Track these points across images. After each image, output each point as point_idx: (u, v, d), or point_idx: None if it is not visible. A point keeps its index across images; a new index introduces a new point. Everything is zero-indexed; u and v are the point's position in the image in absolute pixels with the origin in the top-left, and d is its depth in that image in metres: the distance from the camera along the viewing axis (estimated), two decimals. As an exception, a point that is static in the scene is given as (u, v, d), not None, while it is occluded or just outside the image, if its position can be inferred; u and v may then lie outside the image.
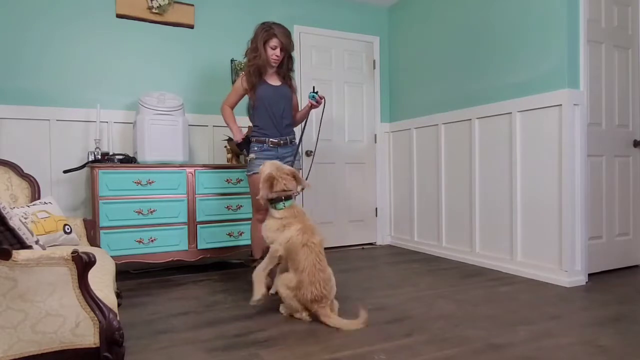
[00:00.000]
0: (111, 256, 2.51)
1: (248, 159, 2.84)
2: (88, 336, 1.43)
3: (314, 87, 2.87)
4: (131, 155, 3.31)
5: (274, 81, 2.86)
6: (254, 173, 2.77)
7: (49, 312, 1.39)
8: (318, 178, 4.33)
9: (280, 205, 2.38)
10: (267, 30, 2.73)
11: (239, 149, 2.98)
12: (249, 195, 3.01)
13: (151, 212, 3.10)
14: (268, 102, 2.80)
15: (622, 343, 1.94)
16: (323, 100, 2.83)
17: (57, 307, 1.40)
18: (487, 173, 3.53)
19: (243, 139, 2.86)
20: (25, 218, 2.25)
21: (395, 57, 4.62)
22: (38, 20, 3.26)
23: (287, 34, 2.76)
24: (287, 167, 2.47)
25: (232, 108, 2.92)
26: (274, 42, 2.72)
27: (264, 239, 2.94)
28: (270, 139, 2.82)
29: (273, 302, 2.66)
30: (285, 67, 2.85)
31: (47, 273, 1.38)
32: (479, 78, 3.58)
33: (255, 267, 2.97)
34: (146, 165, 3.12)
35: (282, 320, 2.30)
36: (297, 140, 2.94)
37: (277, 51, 2.74)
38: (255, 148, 2.81)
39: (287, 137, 2.84)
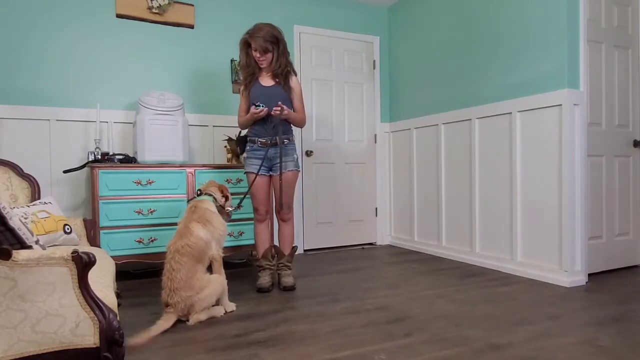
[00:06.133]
0: (111, 256, 2.52)
1: (241, 157, 2.90)
2: (88, 336, 1.43)
3: (255, 104, 2.77)
4: (131, 155, 3.31)
5: (267, 82, 2.88)
6: (246, 172, 2.94)
7: (49, 312, 1.39)
8: (318, 178, 4.34)
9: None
10: (242, 40, 2.82)
11: (237, 147, 3.01)
12: (249, 195, 3.01)
13: (151, 212, 3.10)
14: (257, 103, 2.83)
15: (622, 343, 1.94)
16: (278, 109, 2.74)
17: (57, 307, 1.40)
18: (487, 173, 3.53)
19: (242, 137, 2.88)
20: (25, 218, 2.24)
21: (395, 57, 4.62)
22: (38, 20, 3.26)
23: (262, 34, 2.74)
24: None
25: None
26: (252, 47, 2.78)
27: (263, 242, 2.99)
28: (259, 139, 2.86)
29: (273, 302, 2.66)
30: (277, 65, 2.82)
31: (47, 273, 1.38)
32: (479, 78, 3.58)
33: (258, 266, 2.98)
34: (146, 165, 3.12)
35: (282, 320, 2.30)
36: (292, 141, 2.94)
37: (257, 53, 2.79)
38: (248, 147, 2.94)
39: (277, 138, 2.82)
